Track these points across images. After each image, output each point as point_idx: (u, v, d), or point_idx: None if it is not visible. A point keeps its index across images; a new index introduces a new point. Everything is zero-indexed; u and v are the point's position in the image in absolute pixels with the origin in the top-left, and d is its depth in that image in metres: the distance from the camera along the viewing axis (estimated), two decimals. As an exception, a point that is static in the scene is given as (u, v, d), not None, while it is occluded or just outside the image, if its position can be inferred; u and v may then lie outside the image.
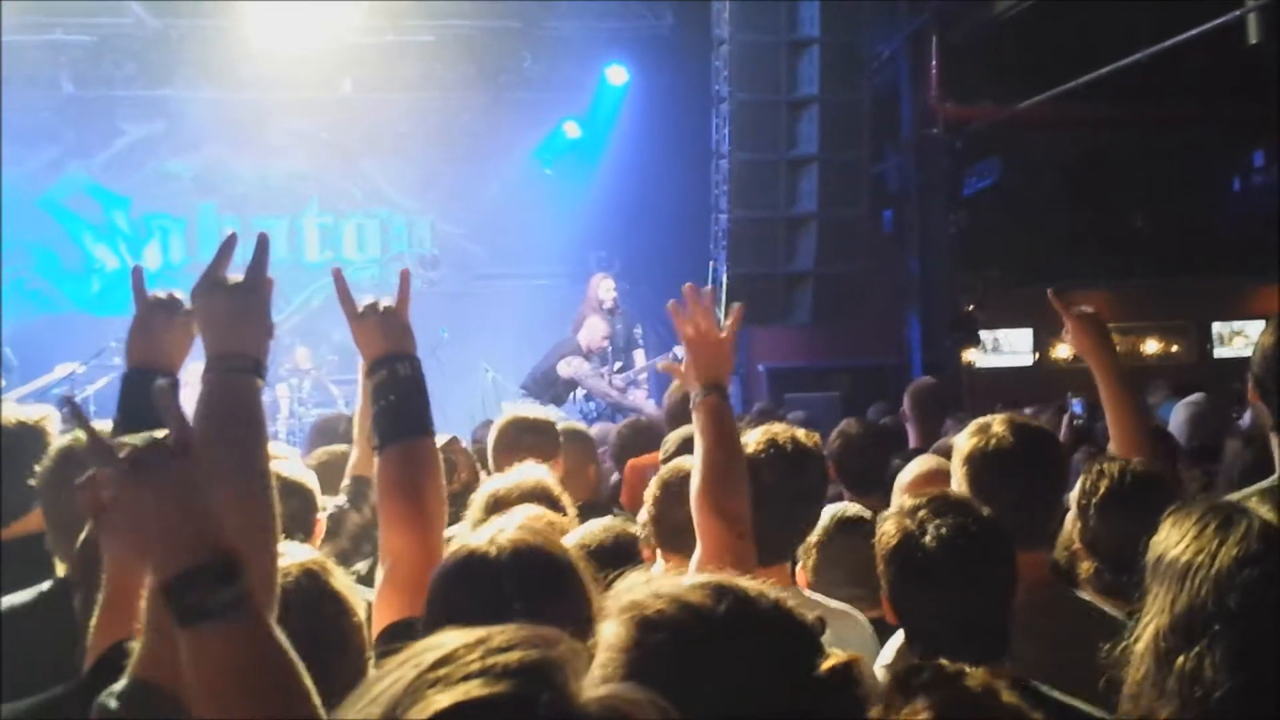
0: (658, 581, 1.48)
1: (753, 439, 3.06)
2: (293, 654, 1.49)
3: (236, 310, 1.90)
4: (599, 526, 3.09)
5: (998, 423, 3.01)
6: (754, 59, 10.53)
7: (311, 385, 11.47)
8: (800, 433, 3.13)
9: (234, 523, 1.65)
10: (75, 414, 1.54)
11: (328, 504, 4.14)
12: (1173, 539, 1.81)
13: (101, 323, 12.02)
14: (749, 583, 1.45)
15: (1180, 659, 1.71)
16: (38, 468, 2.81)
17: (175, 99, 12.41)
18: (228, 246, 2.00)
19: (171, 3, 11.52)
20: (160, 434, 1.52)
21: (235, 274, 1.95)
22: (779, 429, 3.11)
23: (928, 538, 2.35)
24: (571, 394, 10.29)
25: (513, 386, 11.48)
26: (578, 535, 2.99)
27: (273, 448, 4.35)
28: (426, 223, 13.74)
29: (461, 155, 12.79)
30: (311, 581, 2.11)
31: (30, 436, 3.13)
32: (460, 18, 11.83)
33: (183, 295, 2.24)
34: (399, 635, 2.23)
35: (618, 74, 12.57)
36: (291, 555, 2.11)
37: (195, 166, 13.09)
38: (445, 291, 12.69)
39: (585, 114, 12.98)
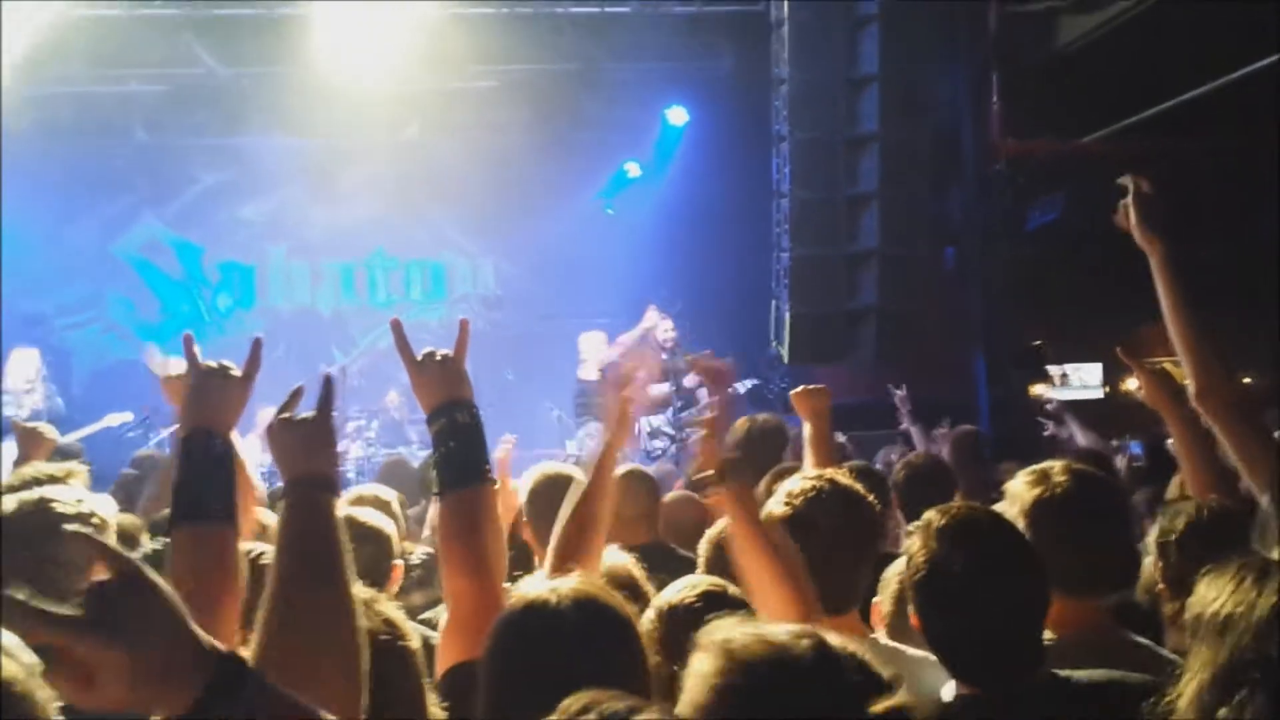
0: (750, 623, 1.54)
1: (795, 487, 3.07)
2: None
3: (306, 439, 2.05)
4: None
5: (1058, 470, 2.99)
6: (813, 97, 10.56)
7: (380, 426, 11.60)
8: (842, 475, 3.15)
9: (316, 637, 1.76)
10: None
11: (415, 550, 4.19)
12: (1210, 594, 1.81)
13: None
14: (835, 635, 1.50)
15: (1222, 711, 1.70)
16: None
17: (246, 146, 12.72)
18: (295, 396, 2.18)
19: (241, 52, 11.78)
20: (97, 579, 1.38)
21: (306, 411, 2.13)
22: (825, 473, 3.12)
23: (955, 560, 2.32)
24: (636, 432, 10.30)
25: (574, 425, 11.55)
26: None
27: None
28: (490, 264, 13.92)
29: (524, 197, 12.93)
30: None
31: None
32: (521, 63, 12.00)
33: (233, 365, 2.38)
34: (459, 677, 2.27)
35: (678, 114, 12.67)
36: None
37: (266, 212, 13.38)
38: (509, 333, 12.81)
39: (646, 155, 13.09)
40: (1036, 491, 2.90)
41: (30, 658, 1.48)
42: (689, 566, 3.29)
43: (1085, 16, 11.05)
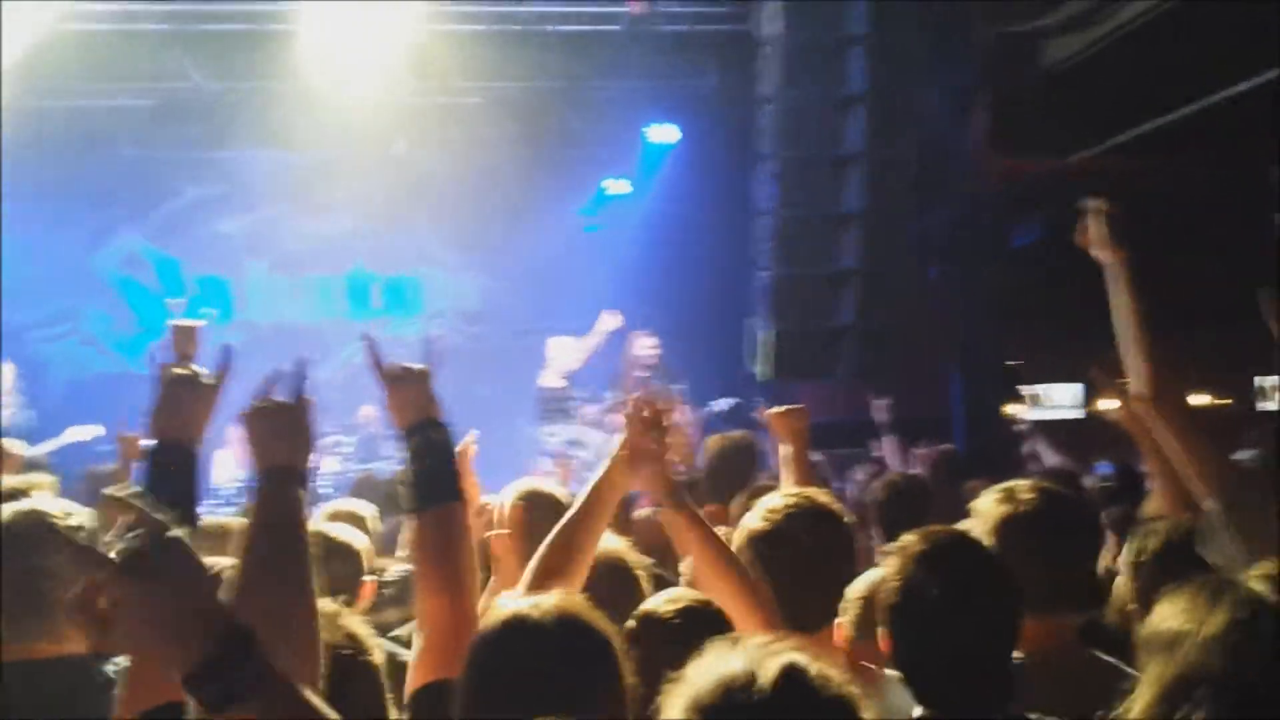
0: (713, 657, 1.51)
1: (776, 503, 3.07)
2: (325, 712, 1.53)
3: (282, 429, 2.05)
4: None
5: (1023, 489, 3.00)
6: (799, 116, 10.56)
7: (360, 441, 11.57)
8: (822, 494, 3.14)
9: (281, 623, 1.77)
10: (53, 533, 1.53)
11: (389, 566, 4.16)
12: (1165, 612, 1.83)
13: (151, 380, 12.24)
14: (800, 655, 1.48)
15: None
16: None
17: (232, 160, 12.73)
18: (272, 379, 2.18)
19: (229, 66, 11.79)
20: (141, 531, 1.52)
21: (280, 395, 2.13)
22: (805, 491, 3.12)
23: (930, 587, 2.31)
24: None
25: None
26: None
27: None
28: (471, 279, 13.93)
29: (507, 213, 12.95)
30: None
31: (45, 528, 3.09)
32: (506, 79, 12.02)
33: (203, 370, 2.39)
34: (429, 696, 2.27)
35: (661, 132, 12.70)
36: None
37: (246, 227, 13.38)
38: (489, 347, 12.80)
39: (628, 172, 13.12)
40: (1004, 509, 2.92)
41: None
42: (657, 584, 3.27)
43: (1073, 36, 11.10)
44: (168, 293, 13.41)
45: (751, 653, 1.48)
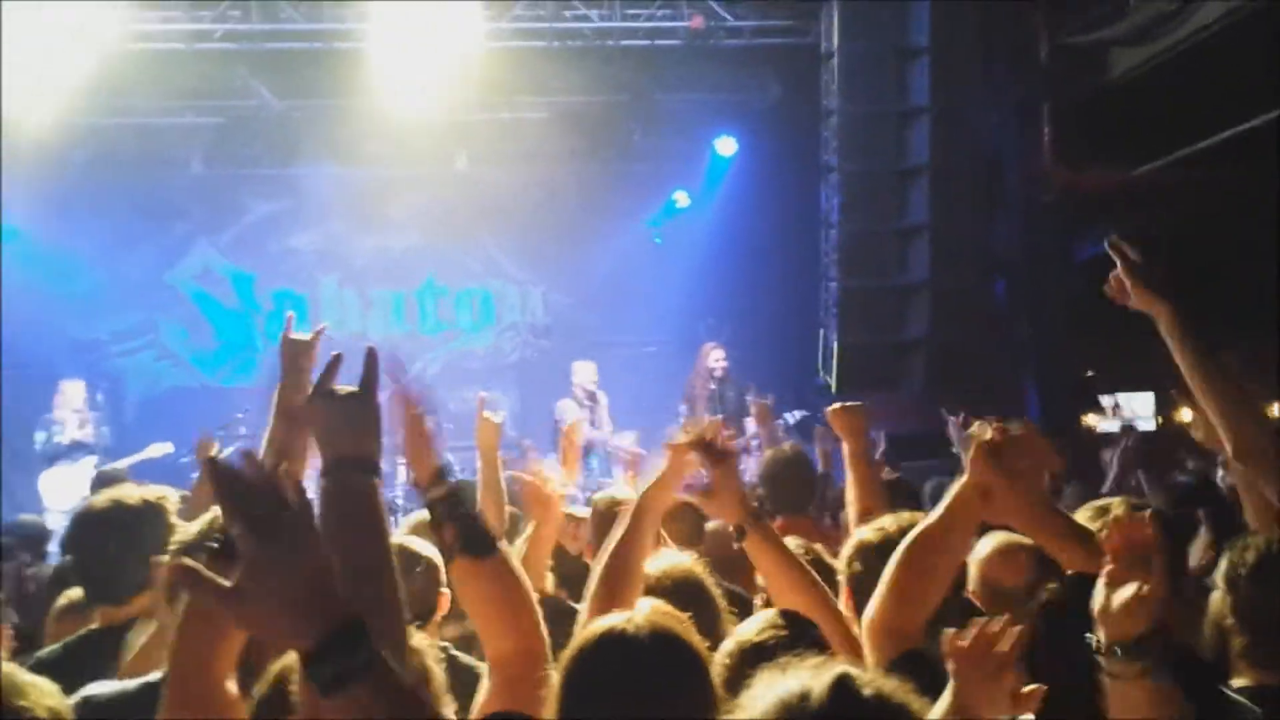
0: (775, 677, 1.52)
1: (887, 522, 3.06)
2: (425, 697, 1.53)
3: (351, 417, 1.92)
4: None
5: (1116, 505, 2.98)
6: (863, 129, 10.59)
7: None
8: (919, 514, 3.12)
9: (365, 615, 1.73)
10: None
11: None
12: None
13: (229, 393, 12.45)
14: (861, 671, 1.49)
15: None
16: (169, 547, 2.85)
17: (299, 176, 12.90)
18: (335, 362, 2.04)
19: (295, 84, 11.96)
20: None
21: (348, 385, 1.99)
22: (907, 514, 3.10)
23: None
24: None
25: (625, 453, 11.55)
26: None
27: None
28: (539, 293, 14.00)
29: (573, 226, 13.01)
30: None
31: (152, 515, 3.21)
32: (571, 94, 12.10)
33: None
34: None
35: (726, 145, 12.72)
36: None
37: (317, 242, 13.53)
38: (557, 360, 12.84)
39: (694, 184, 13.14)
40: (1096, 525, 2.90)
41: None
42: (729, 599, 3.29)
43: (1136, 49, 11.00)
44: (244, 307, 13.60)
45: (804, 671, 1.50)
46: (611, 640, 2.03)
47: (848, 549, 3.09)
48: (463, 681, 2.61)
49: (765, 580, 2.81)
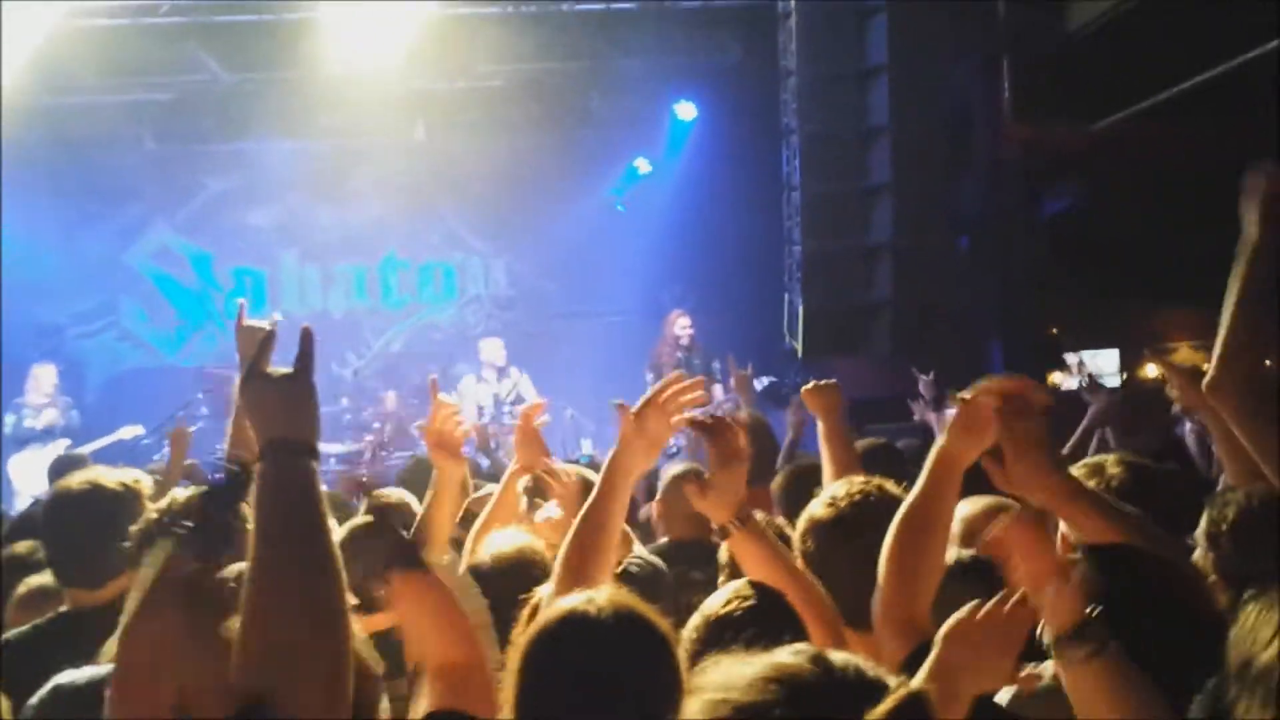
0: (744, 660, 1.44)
1: (840, 490, 3.00)
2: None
3: (286, 398, 1.85)
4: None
5: (1111, 463, 2.95)
6: (822, 90, 10.49)
7: (393, 430, 11.57)
8: (889, 483, 3.06)
9: (301, 613, 1.67)
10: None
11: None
12: (1262, 636, 1.59)
13: (190, 373, 12.32)
14: (840, 654, 1.41)
15: None
16: (132, 530, 2.83)
17: (253, 151, 12.72)
18: (268, 340, 1.95)
19: (246, 57, 11.76)
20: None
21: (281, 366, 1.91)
22: (878, 480, 3.04)
23: None
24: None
25: (591, 424, 11.51)
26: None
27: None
28: (501, 264, 13.90)
29: (534, 196, 12.91)
30: None
31: (129, 499, 3.17)
32: (528, 61, 11.95)
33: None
34: None
35: (686, 109, 12.63)
36: None
37: (275, 217, 13.38)
38: (522, 331, 12.78)
39: (656, 151, 13.05)
40: (1092, 484, 2.87)
41: None
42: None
43: (1095, 2, 10.95)
44: (204, 286, 13.45)
45: (778, 652, 1.43)
46: (573, 622, 1.98)
47: (800, 525, 3.03)
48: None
49: (750, 575, 2.74)
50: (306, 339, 1.90)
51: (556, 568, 2.59)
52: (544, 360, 12.05)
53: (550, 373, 11.96)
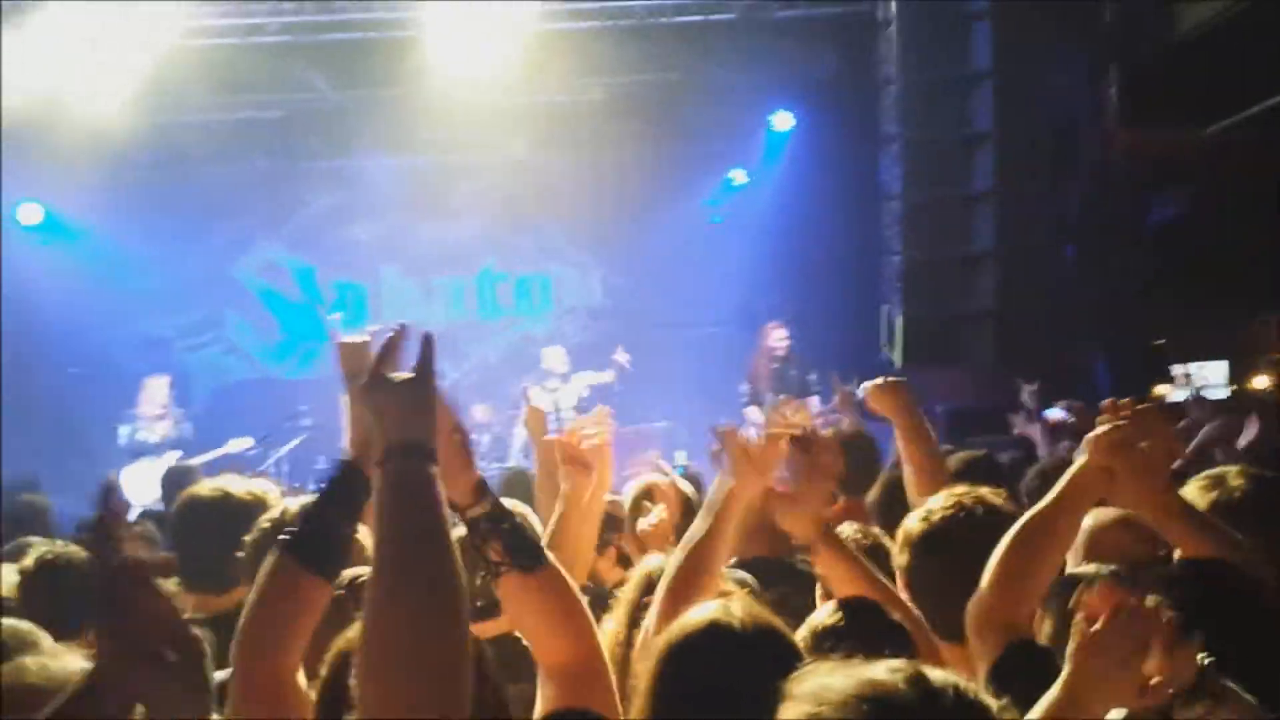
0: (844, 668, 1.43)
1: (935, 503, 2.95)
2: None
3: (408, 402, 1.88)
4: None
5: (1233, 475, 2.88)
6: (924, 97, 10.40)
7: (491, 440, 11.68)
8: (990, 492, 3.00)
9: (423, 614, 1.68)
10: None
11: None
12: None
13: (294, 385, 12.58)
14: (939, 673, 1.40)
15: None
16: (246, 539, 2.92)
17: (358, 167, 13.00)
18: (390, 347, 1.97)
19: (351, 75, 12.00)
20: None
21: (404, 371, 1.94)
22: (977, 491, 2.98)
23: None
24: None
25: (686, 435, 11.48)
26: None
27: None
28: (598, 275, 13.98)
29: (630, 208, 12.96)
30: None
31: (257, 509, 3.22)
32: (626, 74, 12.03)
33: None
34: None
35: (783, 119, 12.58)
36: None
37: (377, 232, 13.61)
38: (617, 342, 12.81)
39: (752, 161, 13.02)
40: (1212, 495, 2.81)
41: None
42: (808, 581, 3.19)
43: (1205, 4, 10.69)
44: (308, 299, 13.72)
45: (875, 666, 1.42)
46: (714, 632, 2.03)
47: (898, 539, 2.99)
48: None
49: (836, 592, 2.72)
50: (428, 345, 1.92)
51: (661, 589, 2.60)
52: (639, 371, 12.06)
53: (645, 384, 11.97)
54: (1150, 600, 2.00)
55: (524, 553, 2.26)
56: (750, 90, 12.43)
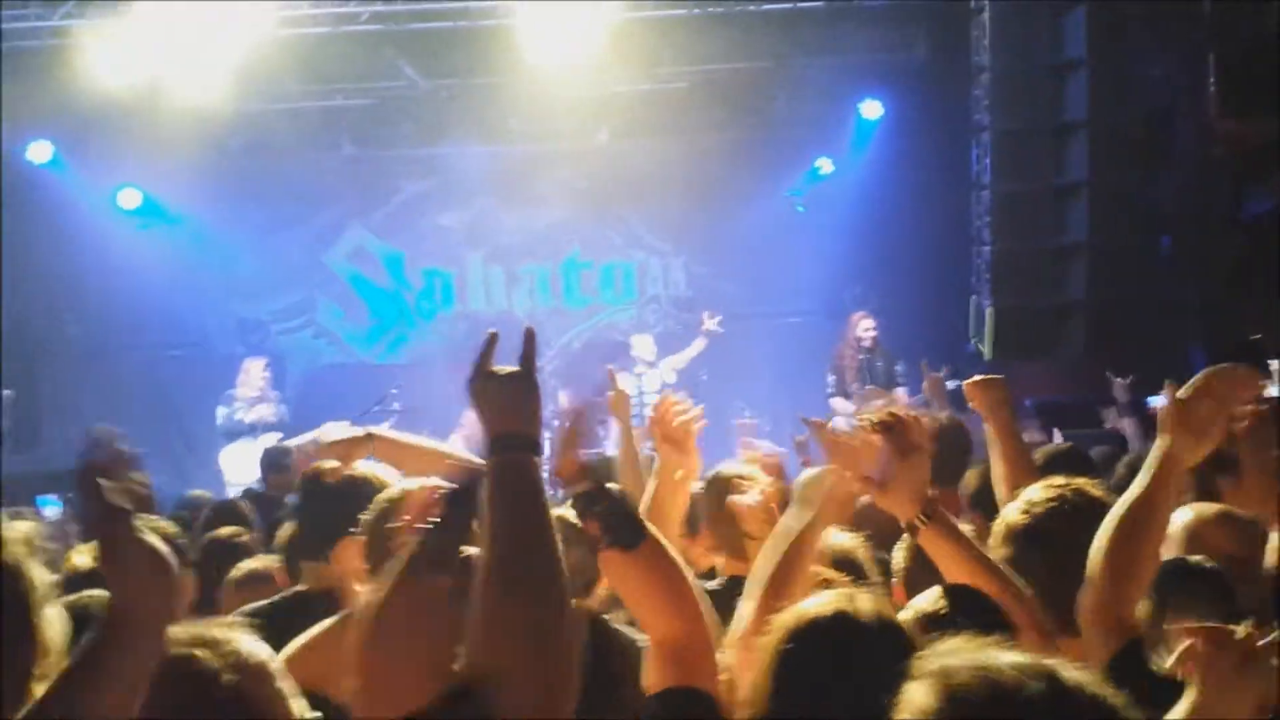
0: (976, 649, 1.44)
1: (1036, 494, 2.93)
2: None
3: (512, 395, 1.95)
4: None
5: None
6: (1017, 85, 10.25)
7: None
8: (1089, 484, 2.98)
9: (533, 599, 1.75)
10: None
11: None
12: None
13: (383, 370, 12.77)
14: (1070, 670, 1.41)
15: None
16: (363, 518, 3.01)
17: (445, 155, 13.12)
18: (492, 341, 2.06)
19: (441, 63, 12.12)
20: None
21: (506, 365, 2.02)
22: (1076, 482, 2.96)
23: None
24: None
25: (768, 425, 11.44)
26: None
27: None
28: (681, 264, 13.97)
29: (714, 197, 12.94)
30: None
31: (378, 490, 3.26)
32: (712, 62, 12.00)
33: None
34: (675, 699, 2.28)
35: (871, 108, 12.45)
36: None
37: (464, 219, 13.75)
38: (699, 332, 12.82)
39: (838, 150, 12.91)
40: None
41: None
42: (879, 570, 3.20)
43: (1310, -11, 10.42)
44: (396, 286, 13.90)
45: (1000, 653, 1.43)
46: (841, 622, 2.06)
47: (996, 531, 2.97)
48: (620, 651, 2.62)
49: (946, 574, 2.71)
50: (530, 341, 2.02)
51: (758, 583, 2.60)
52: (722, 360, 12.06)
53: (728, 372, 11.97)
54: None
55: (623, 531, 2.31)
56: (838, 78, 12.34)
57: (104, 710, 1.87)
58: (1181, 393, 2.50)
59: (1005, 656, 1.42)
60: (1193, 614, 2.34)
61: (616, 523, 2.30)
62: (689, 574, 2.42)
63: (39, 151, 12.30)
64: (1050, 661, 1.41)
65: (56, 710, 1.85)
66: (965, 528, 3.06)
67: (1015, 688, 1.36)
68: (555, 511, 2.39)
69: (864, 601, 2.09)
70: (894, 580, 3.12)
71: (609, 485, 2.34)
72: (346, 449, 3.57)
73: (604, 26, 10.74)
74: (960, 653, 1.46)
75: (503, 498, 1.85)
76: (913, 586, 2.86)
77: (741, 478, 3.60)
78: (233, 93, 11.17)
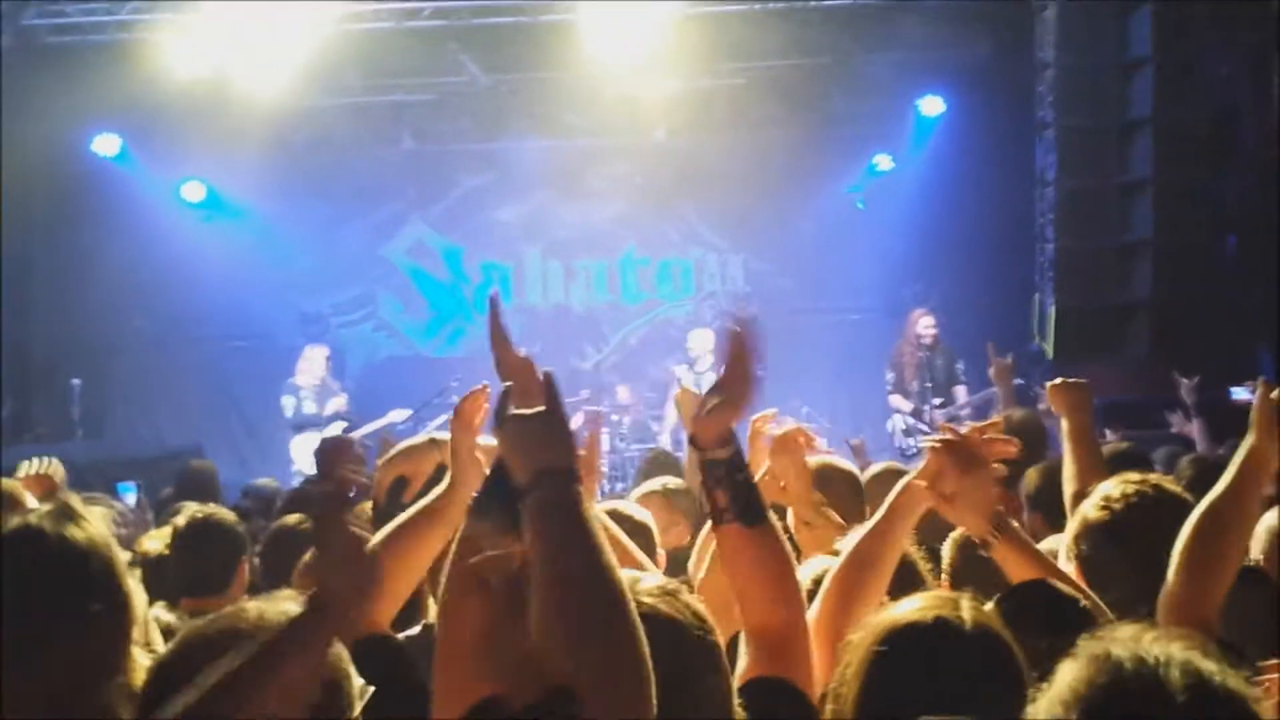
0: (1147, 636, 1.46)
1: (1114, 491, 2.91)
2: None
3: (541, 431, 1.93)
4: None
5: None
6: (1082, 82, 10.17)
7: (631, 422, 11.78)
8: (1161, 478, 2.97)
9: (601, 631, 1.74)
10: None
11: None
12: None
13: (441, 363, 12.87)
14: (1217, 666, 1.41)
15: None
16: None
17: (505, 150, 13.20)
18: (508, 392, 2.05)
19: (501, 59, 12.19)
20: None
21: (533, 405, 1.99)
22: (1152, 478, 2.95)
23: None
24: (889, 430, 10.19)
25: (827, 422, 11.41)
26: None
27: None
28: (739, 260, 13.94)
29: (773, 193, 12.90)
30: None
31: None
32: (771, 58, 11.97)
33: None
34: (763, 690, 2.25)
35: (932, 104, 12.35)
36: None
37: (522, 214, 13.80)
38: (760, 328, 12.79)
39: (898, 146, 12.82)
40: None
41: None
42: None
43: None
44: (454, 280, 14.00)
45: (1140, 651, 1.43)
46: (943, 628, 2.02)
47: (1073, 529, 2.96)
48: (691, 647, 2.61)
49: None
50: (549, 386, 1.98)
51: (829, 588, 2.59)
52: (779, 357, 12.00)
53: (786, 369, 11.91)
54: None
55: (749, 506, 2.30)
56: (898, 75, 12.24)
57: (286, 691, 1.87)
58: (1276, 394, 2.48)
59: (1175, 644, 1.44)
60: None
61: (747, 496, 2.30)
62: (797, 567, 2.43)
63: (106, 144, 12.49)
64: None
65: (244, 685, 1.85)
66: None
67: (1163, 681, 1.38)
68: (609, 505, 2.40)
69: (966, 609, 2.05)
70: (943, 576, 3.11)
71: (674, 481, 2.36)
72: (415, 462, 3.57)
73: (663, 22, 10.76)
74: (1122, 639, 1.48)
75: (551, 528, 1.82)
76: (960, 584, 2.85)
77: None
78: (296, 88, 11.29)
